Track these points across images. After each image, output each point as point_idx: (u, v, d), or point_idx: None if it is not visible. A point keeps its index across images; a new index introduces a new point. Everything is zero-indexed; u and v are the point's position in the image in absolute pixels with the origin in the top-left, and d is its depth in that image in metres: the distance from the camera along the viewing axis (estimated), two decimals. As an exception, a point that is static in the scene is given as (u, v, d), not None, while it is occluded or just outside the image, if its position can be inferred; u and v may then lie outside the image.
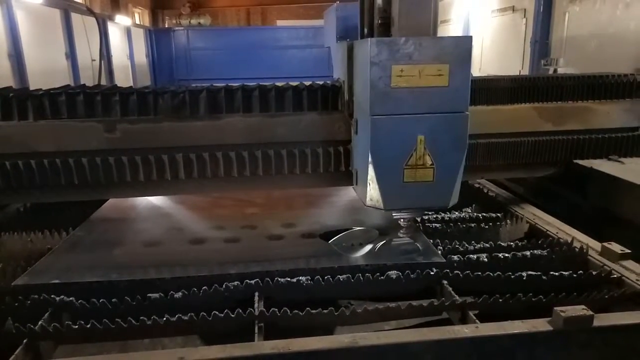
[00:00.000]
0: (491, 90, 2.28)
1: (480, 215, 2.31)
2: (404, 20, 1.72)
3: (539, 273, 1.72)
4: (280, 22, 19.06)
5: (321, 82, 2.12)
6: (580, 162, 2.31)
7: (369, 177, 1.76)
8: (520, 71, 7.63)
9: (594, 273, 1.73)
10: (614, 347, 1.40)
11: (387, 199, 1.78)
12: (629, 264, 1.76)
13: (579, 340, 1.38)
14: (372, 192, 1.78)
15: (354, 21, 2.09)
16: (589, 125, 2.34)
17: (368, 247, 1.93)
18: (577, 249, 1.89)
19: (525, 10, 7.79)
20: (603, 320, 1.39)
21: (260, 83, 2.11)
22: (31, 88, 2.07)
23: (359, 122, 1.87)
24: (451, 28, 11.18)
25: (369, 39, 1.69)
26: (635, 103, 2.36)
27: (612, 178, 2.10)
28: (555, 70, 6.15)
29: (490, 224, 2.23)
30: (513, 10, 8.27)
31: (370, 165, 1.74)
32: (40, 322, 1.47)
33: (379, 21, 1.80)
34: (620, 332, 1.39)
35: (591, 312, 1.37)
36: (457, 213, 2.37)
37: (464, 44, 1.69)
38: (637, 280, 1.65)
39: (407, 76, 1.66)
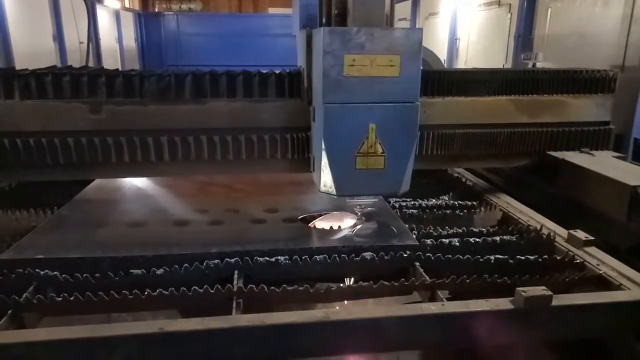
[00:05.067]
0: (470, 82, 2.33)
1: (456, 202, 2.40)
2: (358, 11, 1.78)
3: (506, 257, 1.81)
4: (272, 10, 18.93)
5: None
6: (554, 153, 2.39)
7: (322, 164, 1.84)
8: (504, 65, 7.73)
9: (558, 258, 1.83)
10: (569, 325, 1.50)
11: (340, 185, 1.87)
12: (592, 250, 1.85)
13: (538, 318, 1.47)
14: (326, 178, 1.86)
15: (316, 9, 2.11)
16: (563, 118, 2.42)
17: (346, 230, 2.01)
18: (544, 236, 1.98)
19: (510, 5, 7.88)
20: (561, 300, 1.48)
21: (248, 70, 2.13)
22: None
23: (315, 110, 1.93)
24: (439, 21, 11.23)
25: (322, 28, 1.76)
26: (606, 98, 2.44)
27: (581, 169, 2.18)
28: (534, 65, 6.25)
29: (465, 211, 2.31)
30: (499, 5, 8.36)
31: (324, 152, 1.82)
32: (25, 295, 1.52)
33: (336, 11, 1.86)
34: (576, 311, 1.48)
35: (550, 293, 1.45)
36: (434, 200, 2.45)
37: (415, 36, 1.77)
38: (597, 265, 1.74)
39: (359, 66, 1.73)
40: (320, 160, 1.84)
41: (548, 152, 2.41)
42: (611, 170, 2.08)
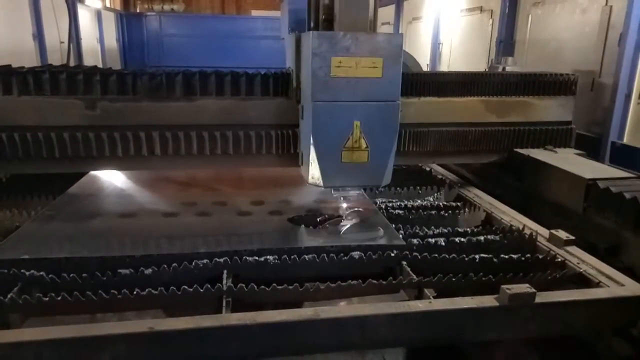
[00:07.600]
0: (444, 83, 2.50)
1: (441, 203, 2.44)
2: (344, 17, 1.92)
3: (491, 256, 1.85)
4: (255, 12, 18.91)
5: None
6: (520, 150, 2.56)
7: (311, 158, 1.95)
8: (485, 69, 7.88)
9: (540, 257, 1.88)
10: (552, 321, 1.54)
11: (327, 177, 1.99)
12: (573, 249, 1.90)
13: (522, 315, 1.51)
14: (314, 171, 1.98)
15: (305, 14, 2.25)
16: (529, 118, 2.61)
17: (334, 230, 2.03)
18: (527, 235, 2.03)
19: (492, 11, 8.05)
20: (544, 297, 1.52)
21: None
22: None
23: (304, 108, 2.05)
24: (422, 26, 11.36)
25: (311, 32, 1.87)
26: (568, 100, 2.63)
27: (543, 164, 2.35)
28: (504, 69, 6.42)
29: (450, 212, 2.35)
30: (481, 11, 8.52)
31: (312, 147, 1.93)
32: (10, 295, 1.50)
33: (323, 17, 1.99)
34: (558, 308, 1.53)
35: (534, 290, 1.49)
36: (419, 201, 2.49)
37: (396, 40, 1.90)
38: (578, 263, 1.79)
39: (345, 67, 1.86)
40: (309, 155, 1.95)
41: (515, 149, 2.57)
42: (570, 165, 2.22)
